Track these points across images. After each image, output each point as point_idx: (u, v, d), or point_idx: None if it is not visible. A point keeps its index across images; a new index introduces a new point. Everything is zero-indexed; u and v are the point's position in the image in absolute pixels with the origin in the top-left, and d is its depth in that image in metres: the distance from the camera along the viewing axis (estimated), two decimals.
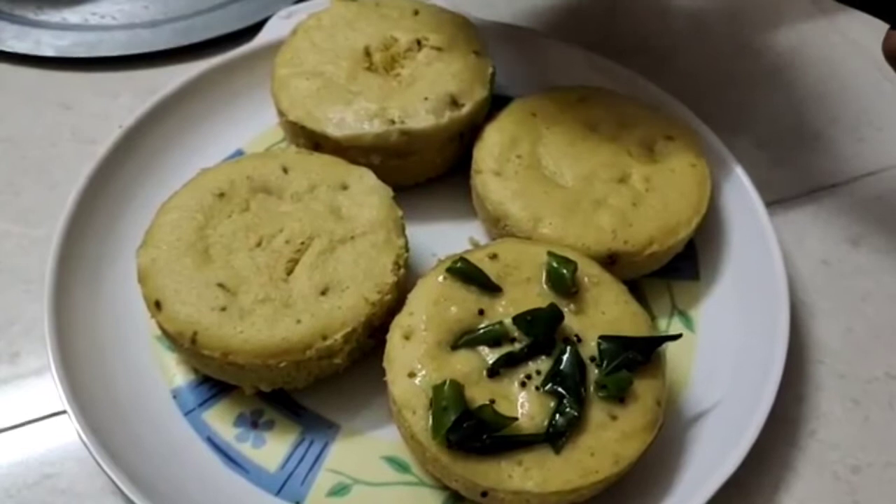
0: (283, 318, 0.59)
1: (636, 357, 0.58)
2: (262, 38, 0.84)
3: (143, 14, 0.93)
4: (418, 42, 0.76)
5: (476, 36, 0.78)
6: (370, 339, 0.64)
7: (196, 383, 0.65)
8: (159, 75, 0.87)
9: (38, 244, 0.72)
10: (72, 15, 0.93)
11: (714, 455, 0.61)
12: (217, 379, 0.64)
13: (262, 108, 0.79)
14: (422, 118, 0.71)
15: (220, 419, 0.64)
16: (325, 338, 0.60)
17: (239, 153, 0.78)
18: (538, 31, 0.85)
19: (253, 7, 0.93)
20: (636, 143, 0.73)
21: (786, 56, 0.94)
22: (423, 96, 0.72)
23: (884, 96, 0.90)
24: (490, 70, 0.76)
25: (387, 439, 0.63)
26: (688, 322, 0.70)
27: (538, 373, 0.58)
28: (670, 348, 0.62)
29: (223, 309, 0.60)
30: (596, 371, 0.58)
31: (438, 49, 0.75)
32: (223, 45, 0.89)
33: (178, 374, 0.65)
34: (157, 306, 0.61)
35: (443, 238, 0.73)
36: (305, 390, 0.64)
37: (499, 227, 0.70)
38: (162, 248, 0.63)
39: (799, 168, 0.83)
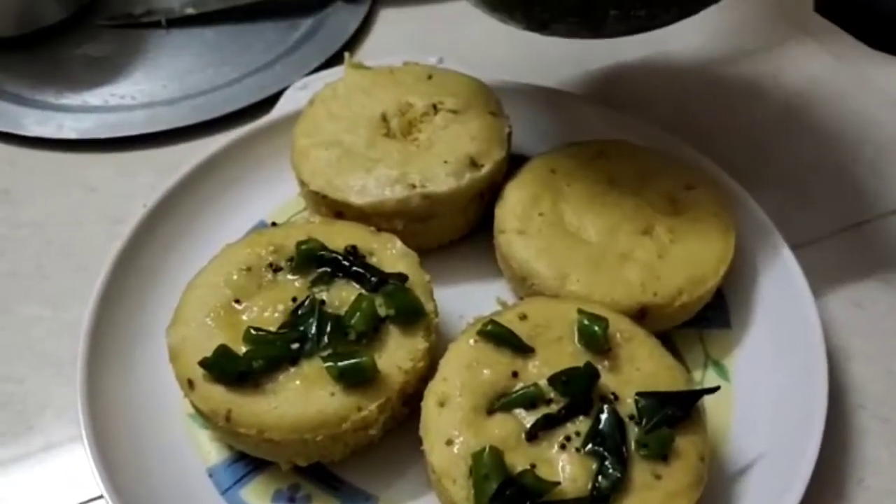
0: (317, 391, 0.59)
1: (675, 413, 0.57)
2: (280, 109, 0.86)
3: (161, 93, 0.95)
4: (434, 106, 0.77)
5: (491, 97, 0.79)
6: (404, 408, 0.63)
7: (231, 460, 0.64)
8: (181, 152, 0.89)
9: (69, 327, 0.72)
10: (92, 97, 0.94)
11: None
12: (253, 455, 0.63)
13: (282, 179, 0.79)
14: (442, 181, 0.71)
15: (258, 496, 0.63)
16: (359, 409, 0.59)
17: (262, 224, 0.79)
18: (552, 88, 0.85)
19: (269, 80, 0.95)
20: (657, 194, 0.73)
21: (798, 96, 0.95)
22: (443, 159, 0.72)
23: None
24: (507, 130, 0.77)
25: None
26: (723, 372, 0.69)
27: (577, 434, 0.57)
28: (708, 401, 0.61)
29: (256, 385, 0.59)
30: (636, 429, 0.57)
31: (454, 112, 0.76)
32: (242, 118, 0.91)
33: (212, 452, 0.65)
34: (189, 385, 0.61)
35: (470, 299, 0.73)
36: (342, 462, 0.63)
37: (526, 286, 0.70)
38: (192, 325, 0.63)
39: (823, 208, 0.83)
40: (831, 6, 0.61)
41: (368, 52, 1.00)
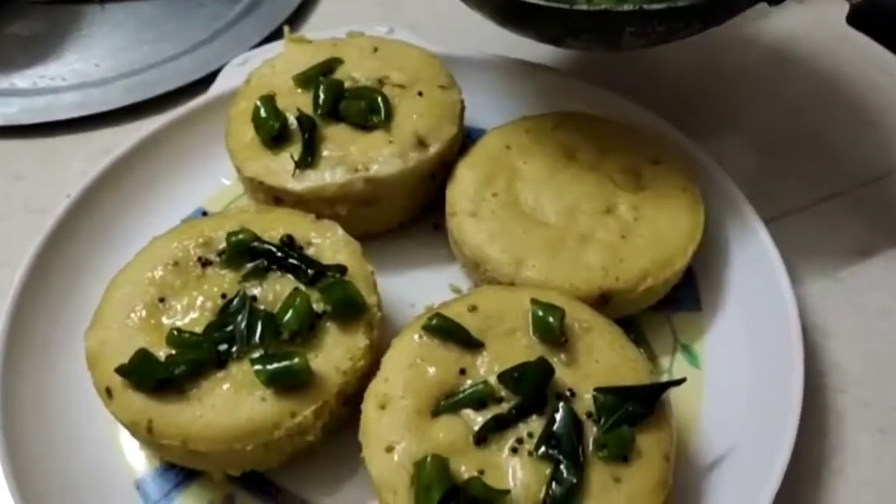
0: (246, 396, 0.54)
1: (637, 409, 0.53)
2: (217, 87, 0.80)
3: (93, 72, 0.89)
4: (380, 81, 0.71)
5: (441, 69, 0.73)
6: (347, 408, 0.58)
7: (161, 470, 0.60)
8: (113, 135, 0.83)
9: None
10: (20, 79, 0.88)
11: None
12: None
13: (220, 163, 0.73)
14: (387, 163, 0.66)
15: None
16: (293, 415, 0.54)
17: (199, 212, 0.74)
18: (506, 57, 0.80)
19: (207, 56, 0.89)
20: (620, 169, 0.68)
21: (772, 55, 0.89)
22: (387, 139, 0.67)
23: (881, 93, 0.85)
24: (459, 104, 0.71)
25: None
26: (692, 358, 0.65)
27: (530, 436, 0.52)
28: (676, 390, 0.56)
29: (181, 392, 0.54)
30: (594, 428, 0.53)
31: (401, 87, 0.71)
32: (178, 98, 0.85)
33: (141, 462, 0.60)
34: (108, 394, 0.55)
35: (421, 287, 0.68)
36: (280, 470, 0.59)
37: (479, 272, 0.65)
38: (112, 328, 0.58)
39: (798, 178, 0.78)
40: (867, 20, 0.58)
41: (316, 24, 0.94)
